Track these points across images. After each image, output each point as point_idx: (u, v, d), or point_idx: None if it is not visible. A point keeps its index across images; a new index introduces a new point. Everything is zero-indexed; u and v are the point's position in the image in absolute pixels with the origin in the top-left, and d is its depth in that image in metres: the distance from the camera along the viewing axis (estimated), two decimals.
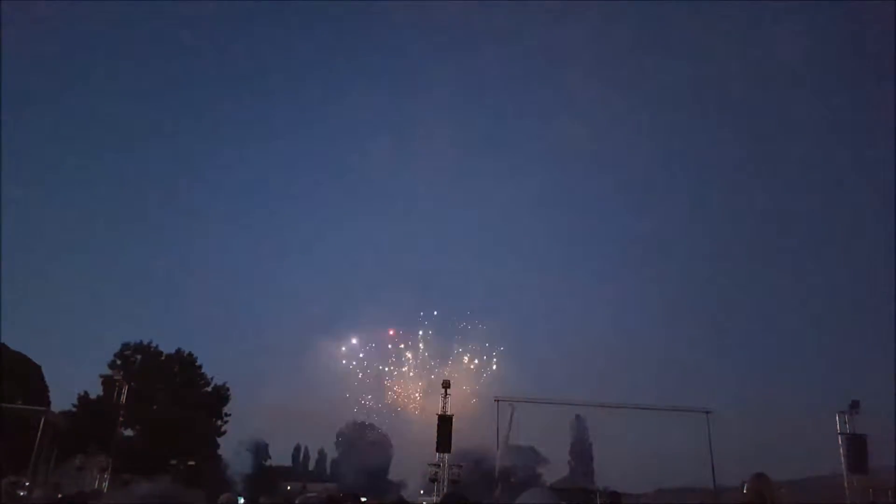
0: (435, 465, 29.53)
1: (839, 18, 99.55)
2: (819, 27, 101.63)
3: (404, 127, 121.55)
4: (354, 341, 55.01)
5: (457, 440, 29.93)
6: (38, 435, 29.88)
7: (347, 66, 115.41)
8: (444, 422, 29.40)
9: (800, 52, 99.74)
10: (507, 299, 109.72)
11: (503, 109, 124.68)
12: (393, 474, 70.69)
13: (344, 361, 54.83)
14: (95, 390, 42.94)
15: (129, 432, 42.79)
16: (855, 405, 27.81)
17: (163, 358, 47.59)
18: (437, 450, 29.39)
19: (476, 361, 53.72)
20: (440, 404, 30.20)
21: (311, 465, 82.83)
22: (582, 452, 77.19)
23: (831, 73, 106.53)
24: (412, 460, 49.24)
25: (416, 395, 53.22)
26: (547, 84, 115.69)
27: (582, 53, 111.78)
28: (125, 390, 32.90)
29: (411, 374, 53.85)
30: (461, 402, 33.66)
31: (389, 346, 54.70)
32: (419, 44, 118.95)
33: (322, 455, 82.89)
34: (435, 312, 55.79)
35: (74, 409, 42.79)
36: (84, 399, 43.07)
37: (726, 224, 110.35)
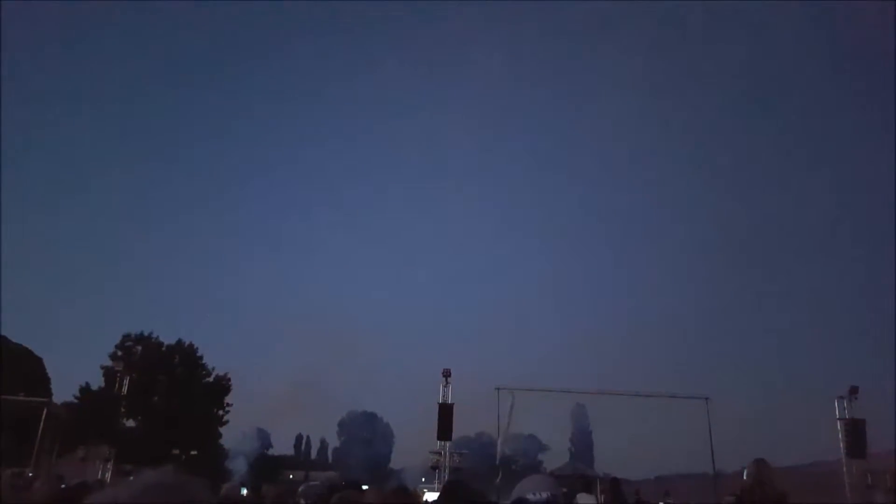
0: (436, 452, 29.65)
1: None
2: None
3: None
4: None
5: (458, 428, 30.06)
6: (41, 426, 29.97)
7: (387, 37, 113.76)
8: (445, 410, 29.50)
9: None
10: (509, 288, 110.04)
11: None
12: (394, 462, 71.14)
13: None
14: (97, 381, 43.13)
15: (131, 423, 42.95)
16: (854, 390, 27.88)
17: (164, 349, 47.72)
18: (438, 438, 29.51)
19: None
20: (441, 393, 30.28)
21: (314, 454, 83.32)
22: (582, 440, 77.61)
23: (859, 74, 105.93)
24: (413, 448, 49.50)
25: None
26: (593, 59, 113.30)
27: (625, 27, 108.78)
28: (126, 381, 32.95)
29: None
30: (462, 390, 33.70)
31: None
32: (461, 17, 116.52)
33: (324, 444, 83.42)
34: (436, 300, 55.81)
35: (76, 401, 42.95)
36: (86, 390, 43.22)
37: (729, 213, 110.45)
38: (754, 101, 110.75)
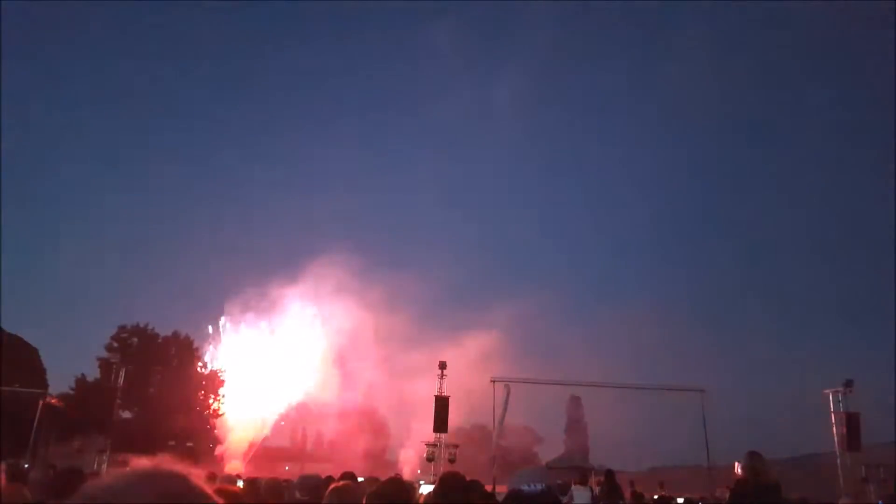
0: (432, 444, 29.75)
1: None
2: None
3: None
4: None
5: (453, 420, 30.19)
6: (37, 417, 29.97)
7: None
8: (441, 402, 29.60)
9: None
10: (508, 280, 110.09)
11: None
12: (390, 454, 71.21)
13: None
14: (93, 373, 43.08)
15: (126, 414, 42.94)
16: (849, 383, 28.03)
17: (159, 340, 47.64)
18: (434, 430, 29.62)
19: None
20: (437, 385, 30.36)
21: (310, 446, 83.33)
22: (577, 431, 77.82)
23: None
24: (409, 440, 49.64)
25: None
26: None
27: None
28: (122, 373, 32.96)
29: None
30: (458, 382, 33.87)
31: None
32: None
33: (320, 435, 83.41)
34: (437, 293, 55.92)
35: (72, 392, 42.91)
36: (81, 382, 43.17)
37: (726, 206, 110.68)
38: (757, 100, 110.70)
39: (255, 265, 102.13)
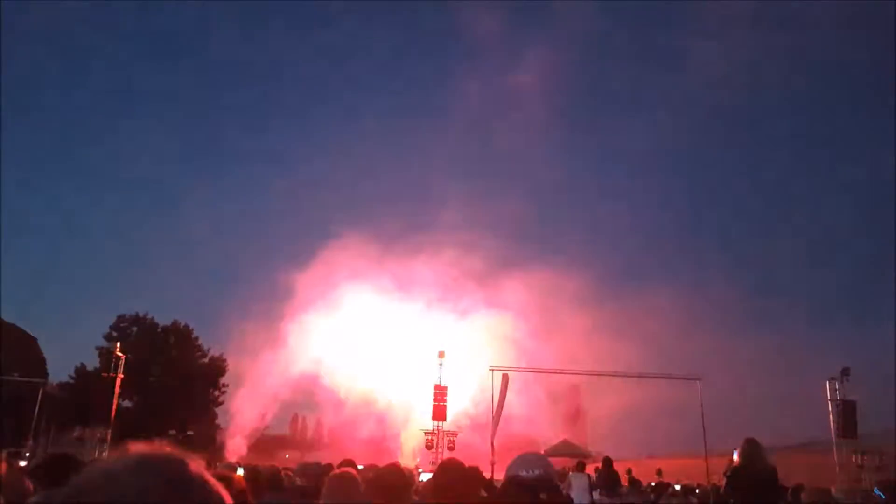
0: (431, 432, 29.91)
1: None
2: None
3: None
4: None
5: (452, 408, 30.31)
6: (37, 407, 30.03)
7: None
8: (440, 391, 29.78)
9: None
10: (507, 273, 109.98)
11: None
12: (389, 442, 71.42)
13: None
14: (92, 362, 43.15)
15: (127, 403, 43.04)
16: (846, 372, 28.10)
17: (159, 330, 47.73)
18: (433, 418, 29.80)
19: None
20: (436, 373, 30.49)
21: (310, 434, 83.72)
22: (575, 419, 78.14)
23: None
24: (408, 428, 49.72)
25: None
26: None
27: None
28: (122, 362, 32.98)
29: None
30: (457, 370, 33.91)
31: None
32: None
33: (319, 424, 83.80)
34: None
35: (72, 381, 43.02)
36: (81, 371, 43.27)
37: (722, 196, 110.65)
38: (757, 100, 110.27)
39: (257, 252, 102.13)
